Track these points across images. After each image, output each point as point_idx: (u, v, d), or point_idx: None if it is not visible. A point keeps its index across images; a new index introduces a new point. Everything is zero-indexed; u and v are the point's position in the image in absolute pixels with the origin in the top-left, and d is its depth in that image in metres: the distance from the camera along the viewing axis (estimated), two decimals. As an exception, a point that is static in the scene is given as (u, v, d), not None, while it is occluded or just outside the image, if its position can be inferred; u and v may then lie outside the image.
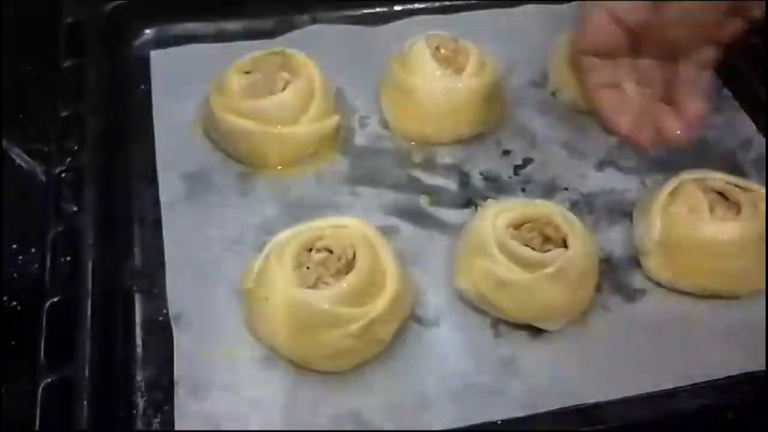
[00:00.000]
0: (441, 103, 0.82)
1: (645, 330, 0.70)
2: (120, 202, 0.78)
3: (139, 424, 0.64)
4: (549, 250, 0.69)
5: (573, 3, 0.99)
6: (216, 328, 0.69)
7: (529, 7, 0.99)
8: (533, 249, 0.69)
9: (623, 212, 0.79)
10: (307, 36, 0.94)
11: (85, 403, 0.61)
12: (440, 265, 0.74)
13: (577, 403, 0.65)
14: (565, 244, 0.69)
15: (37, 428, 0.59)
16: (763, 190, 0.74)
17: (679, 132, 0.59)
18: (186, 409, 0.64)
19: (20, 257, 0.73)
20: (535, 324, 0.69)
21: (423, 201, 0.80)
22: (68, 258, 0.69)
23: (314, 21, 0.97)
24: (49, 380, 0.62)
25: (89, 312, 0.66)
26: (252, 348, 0.68)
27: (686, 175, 0.76)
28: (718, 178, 0.75)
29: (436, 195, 0.81)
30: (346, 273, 0.66)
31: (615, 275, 0.74)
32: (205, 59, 0.90)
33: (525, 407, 0.65)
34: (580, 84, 0.65)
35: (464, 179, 0.82)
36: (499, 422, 0.64)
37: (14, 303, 0.70)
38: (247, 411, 0.64)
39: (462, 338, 0.69)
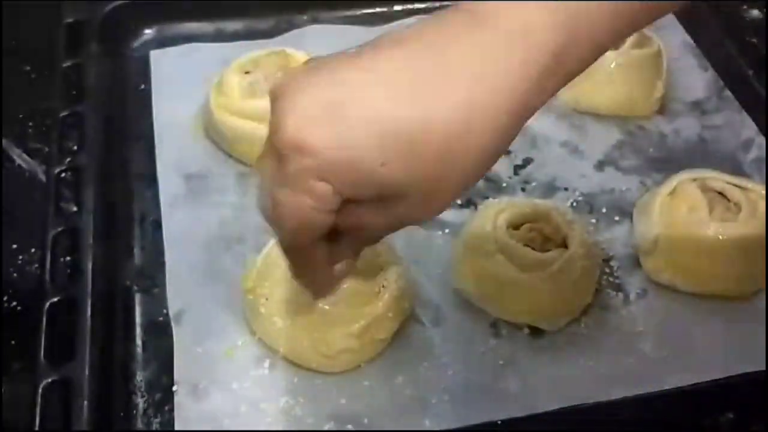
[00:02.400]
0: (441, 103, 0.82)
1: (645, 330, 0.70)
2: (120, 202, 0.78)
3: (139, 424, 0.64)
4: (549, 250, 0.69)
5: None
6: (216, 328, 0.69)
7: (530, 7, 0.99)
8: (533, 249, 0.69)
9: (623, 212, 0.79)
10: (307, 36, 0.93)
11: (85, 403, 0.61)
12: (440, 265, 0.74)
13: (577, 403, 0.65)
14: (565, 244, 0.69)
15: (37, 428, 0.59)
16: (763, 191, 0.74)
17: None
18: (186, 409, 0.64)
19: (20, 257, 0.73)
20: (535, 324, 0.69)
21: (423, 201, 0.80)
22: (68, 258, 0.69)
23: (314, 21, 0.97)
24: (49, 380, 0.62)
25: (89, 312, 0.66)
26: (252, 348, 0.67)
27: (686, 175, 0.76)
28: (718, 178, 0.75)
29: (436, 195, 0.80)
30: (346, 273, 0.66)
31: (615, 275, 0.74)
32: (205, 59, 0.90)
33: (525, 407, 0.65)
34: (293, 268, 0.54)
35: (464, 179, 0.82)
36: (499, 422, 0.64)
37: (14, 303, 0.70)
38: (247, 411, 0.64)
39: (462, 338, 0.69)
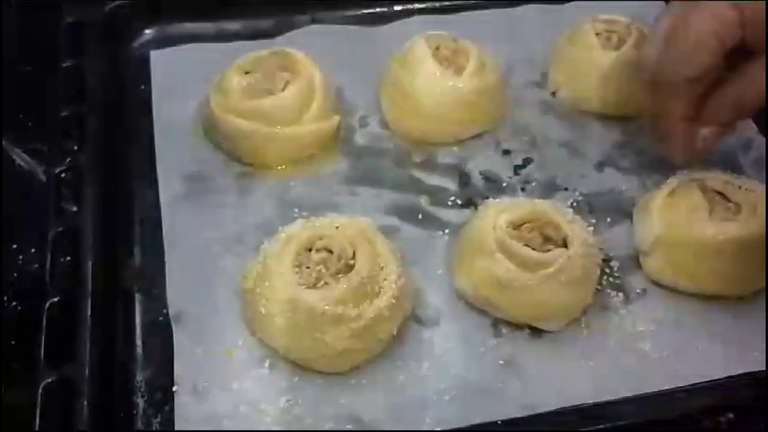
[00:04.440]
0: (441, 103, 0.82)
1: (645, 330, 0.70)
2: (120, 202, 0.78)
3: (139, 424, 0.64)
4: (549, 250, 0.69)
5: (573, 3, 0.99)
6: (216, 328, 0.69)
7: (529, 7, 0.99)
8: (533, 249, 0.69)
9: (623, 212, 0.79)
10: (307, 36, 0.94)
11: (85, 403, 0.61)
12: (440, 265, 0.74)
13: (577, 403, 0.65)
14: (565, 244, 0.69)
15: (37, 428, 0.59)
16: (764, 190, 0.74)
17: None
18: (186, 409, 0.64)
19: (20, 257, 0.73)
20: (535, 324, 0.69)
21: (423, 201, 0.80)
22: (68, 258, 0.69)
23: (314, 21, 0.97)
24: (49, 380, 0.62)
25: (89, 312, 0.66)
26: (252, 348, 0.68)
27: (686, 175, 0.76)
28: (718, 178, 0.75)
29: (436, 195, 0.81)
30: (346, 273, 0.66)
31: (615, 275, 0.74)
32: (205, 59, 0.90)
33: (525, 407, 0.65)
34: (652, 112, 0.60)
35: (464, 179, 0.82)
36: (499, 422, 0.64)
37: (14, 303, 0.70)
38: (247, 411, 0.64)
39: (462, 338, 0.69)
